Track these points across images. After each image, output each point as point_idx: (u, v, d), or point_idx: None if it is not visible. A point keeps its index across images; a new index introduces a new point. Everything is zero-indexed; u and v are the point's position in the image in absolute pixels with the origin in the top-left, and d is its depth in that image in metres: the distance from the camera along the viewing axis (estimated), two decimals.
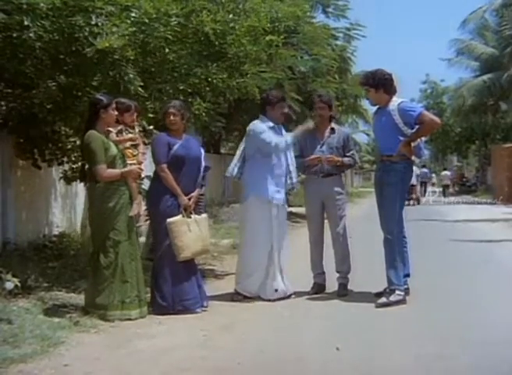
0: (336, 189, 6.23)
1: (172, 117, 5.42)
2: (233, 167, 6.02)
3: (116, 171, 5.06)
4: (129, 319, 4.94)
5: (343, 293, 6.07)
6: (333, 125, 6.34)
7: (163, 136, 5.48)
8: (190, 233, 5.25)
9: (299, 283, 6.12)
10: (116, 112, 5.19)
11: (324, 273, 6.28)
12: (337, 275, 6.21)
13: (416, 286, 6.08)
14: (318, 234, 6.26)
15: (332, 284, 6.20)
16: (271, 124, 5.92)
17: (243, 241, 6.06)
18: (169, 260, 5.26)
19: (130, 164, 5.43)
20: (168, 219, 5.23)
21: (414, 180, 22.11)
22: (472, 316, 5.11)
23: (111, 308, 4.93)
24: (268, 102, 5.96)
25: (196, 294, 5.31)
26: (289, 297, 5.88)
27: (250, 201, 5.90)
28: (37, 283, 5.76)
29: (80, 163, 7.01)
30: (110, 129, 5.28)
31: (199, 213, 5.54)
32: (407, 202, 25.57)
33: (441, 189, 33.86)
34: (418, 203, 23.90)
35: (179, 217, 5.26)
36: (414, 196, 23.45)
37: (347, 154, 6.27)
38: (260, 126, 5.90)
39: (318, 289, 6.17)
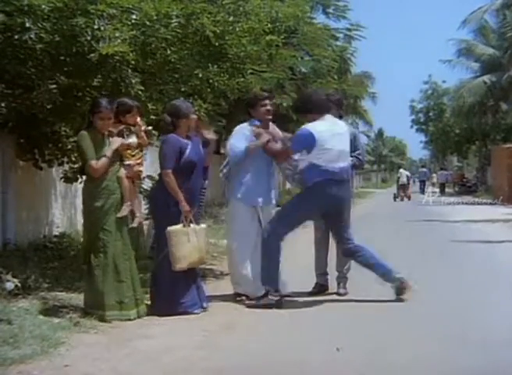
0: None
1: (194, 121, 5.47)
2: (224, 166, 6.12)
3: (104, 159, 5.00)
4: (129, 320, 4.95)
5: (343, 292, 6.09)
6: None
7: (175, 139, 5.29)
8: (189, 243, 5.18)
9: (300, 283, 6.13)
10: (111, 116, 5.13)
11: (327, 273, 6.28)
12: (336, 274, 6.23)
13: (416, 287, 6.08)
14: (323, 235, 6.25)
15: (331, 284, 6.21)
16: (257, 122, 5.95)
17: (229, 243, 6.12)
18: (170, 264, 5.24)
19: (128, 164, 5.41)
20: (169, 228, 5.17)
21: (404, 180, 30.16)
22: (472, 316, 5.12)
23: (108, 308, 4.93)
24: (249, 104, 6.02)
25: (194, 296, 5.32)
26: (284, 297, 5.85)
27: (233, 204, 6.01)
28: (37, 283, 5.77)
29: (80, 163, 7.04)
30: (112, 129, 5.24)
31: (198, 215, 5.50)
32: (398, 199, 28.31)
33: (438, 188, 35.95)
34: (409, 199, 28.68)
35: (179, 226, 5.19)
36: (403, 194, 29.39)
37: (353, 154, 6.16)
38: (238, 129, 6.01)
39: (320, 289, 6.18)
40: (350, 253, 5.84)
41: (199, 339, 4.49)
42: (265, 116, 5.98)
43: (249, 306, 5.51)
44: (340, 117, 6.36)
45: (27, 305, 5.05)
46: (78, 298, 5.46)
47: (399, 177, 31.63)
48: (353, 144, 6.21)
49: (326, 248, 6.28)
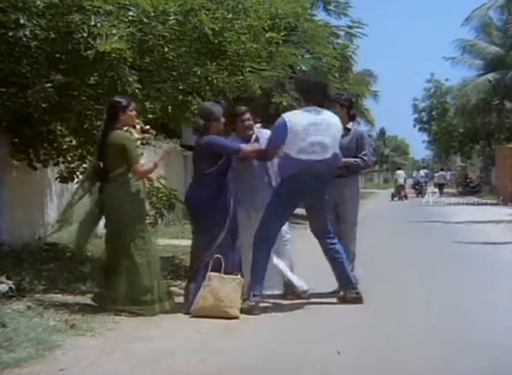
0: (348, 190, 6.21)
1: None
2: None
3: (150, 165, 5.39)
4: (166, 312, 5.19)
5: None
6: (349, 125, 6.29)
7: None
8: (205, 287, 5.19)
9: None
10: (135, 113, 5.36)
11: None
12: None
13: (418, 289, 6.09)
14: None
15: (331, 286, 6.21)
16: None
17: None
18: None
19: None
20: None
21: (401, 181, 31.52)
22: (475, 319, 5.12)
23: (152, 302, 5.18)
24: (229, 121, 5.89)
25: None
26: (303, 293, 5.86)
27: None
28: (32, 285, 5.77)
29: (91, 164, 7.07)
30: (130, 130, 5.45)
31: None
32: (395, 198, 29.31)
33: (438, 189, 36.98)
34: (406, 198, 30.65)
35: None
36: (401, 194, 30.96)
37: (359, 154, 6.18)
38: None
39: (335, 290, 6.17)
40: (327, 249, 5.80)
41: (197, 342, 4.49)
42: (246, 132, 5.90)
43: None
44: (353, 117, 6.39)
45: (22, 308, 5.04)
46: (74, 300, 5.47)
47: (396, 178, 32.95)
48: (360, 144, 6.22)
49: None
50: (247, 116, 5.90)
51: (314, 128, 5.51)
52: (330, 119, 5.65)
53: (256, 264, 5.55)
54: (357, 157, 6.19)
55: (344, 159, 6.06)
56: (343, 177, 6.14)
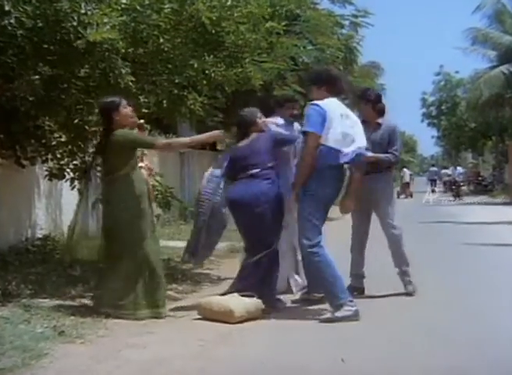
0: (381, 187, 6.22)
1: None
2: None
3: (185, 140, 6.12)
4: (160, 317, 5.26)
5: (412, 290, 6.17)
6: (380, 120, 6.35)
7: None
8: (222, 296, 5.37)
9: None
10: (129, 108, 5.40)
11: (363, 276, 6.34)
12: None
13: (426, 293, 6.08)
14: (358, 234, 6.35)
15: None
16: (281, 121, 6.16)
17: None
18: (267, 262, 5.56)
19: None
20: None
21: (407, 179, 33.80)
22: (486, 326, 5.10)
23: (141, 307, 5.24)
24: (277, 103, 6.46)
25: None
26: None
27: None
28: (19, 290, 5.76)
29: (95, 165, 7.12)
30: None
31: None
32: (402, 196, 29.87)
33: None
34: (411, 196, 32.36)
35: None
36: (406, 192, 33.28)
37: (389, 150, 6.23)
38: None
39: (353, 291, 6.12)
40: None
41: (194, 349, 4.47)
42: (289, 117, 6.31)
43: (323, 321, 5.19)
44: (382, 112, 6.43)
45: (7, 314, 5.02)
46: (63, 306, 5.46)
47: (402, 176, 35.20)
48: (391, 139, 6.27)
49: (358, 249, 6.33)
50: (297, 105, 6.51)
51: (345, 119, 5.40)
52: (354, 117, 5.60)
53: (327, 275, 5.30)
54: (387, 152, 6.22)
55: (375, 155, 6.08)
56: (374, 173, 6.11)
